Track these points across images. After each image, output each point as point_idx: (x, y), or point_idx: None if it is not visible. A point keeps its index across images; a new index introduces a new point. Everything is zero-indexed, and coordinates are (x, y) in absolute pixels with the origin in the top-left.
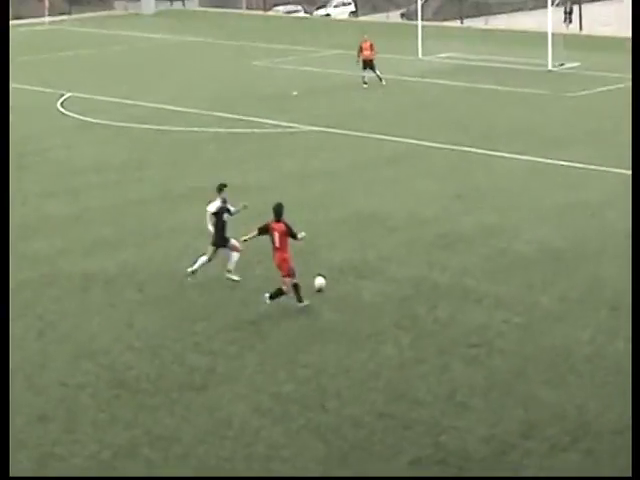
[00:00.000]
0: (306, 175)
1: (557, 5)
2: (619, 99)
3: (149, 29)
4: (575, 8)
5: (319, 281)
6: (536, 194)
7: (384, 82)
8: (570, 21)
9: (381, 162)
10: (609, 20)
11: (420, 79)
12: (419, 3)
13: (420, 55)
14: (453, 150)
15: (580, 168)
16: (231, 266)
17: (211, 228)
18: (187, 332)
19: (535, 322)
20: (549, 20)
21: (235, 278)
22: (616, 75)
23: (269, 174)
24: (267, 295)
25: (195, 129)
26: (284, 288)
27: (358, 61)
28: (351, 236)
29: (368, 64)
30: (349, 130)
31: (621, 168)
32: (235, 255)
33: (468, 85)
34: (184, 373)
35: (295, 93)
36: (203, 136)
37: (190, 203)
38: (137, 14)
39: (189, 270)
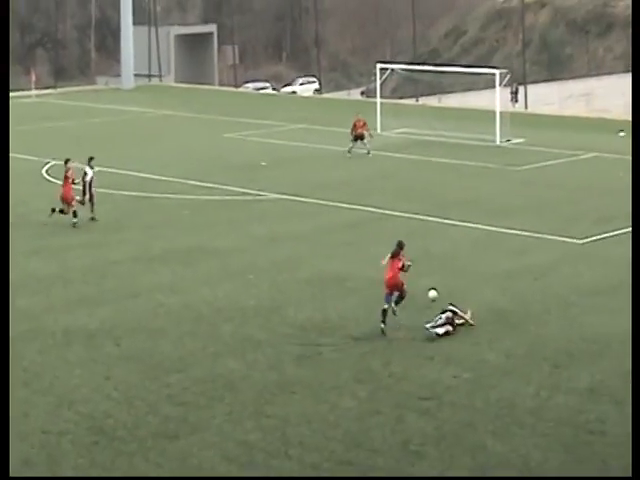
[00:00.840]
0: (273, 239)
1: (505, 86)
2: (560, 172)
3: (128, 103)
4: (521, 88)
5: (432, 293)
6: (484, 259)
7: (370, 154)
8: (516, 100)
9: (342, 228)
10: (551, 100)
11: (379, 152)
12: (378, 82)
13: (379, 130)
14: (409, 218)
15: (525, 236)
16: None
17: None
18: (161, 384)
19: (483, 377)
20: (497, 99)
21: None
22: (557, 150)
23: (239, 238)
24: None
25: (171, 196)
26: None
27: (352, 135)
28: (314, 296)
29: (359, 138)
30: (313, 198)
31: (562, 236)
32: None
33: (423, 158)
34: (158, 422)
35: (264, 163)
36: (178, 202)
37: (165, 264)
38: (117, 89)
39: None
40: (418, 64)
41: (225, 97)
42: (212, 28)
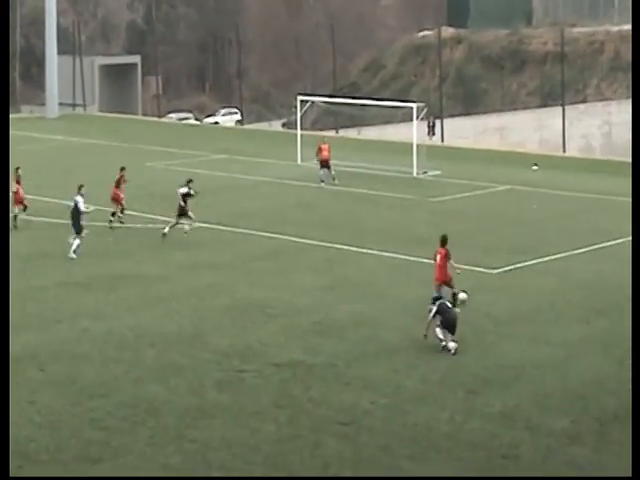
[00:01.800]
0: (195, 267)
1: (422, 119)
2: (475, 204)
3: (52, 131)
4: (437, 122)
5: (462, 295)
6: (401, 287)
7: (337, 181)
8: (433, 134)
9: (262, 256)
10: (467, 133)
11: (299, 182)
12: (298, 114)
13: (299, 161)
14: (327, 247)
15: None
16: None
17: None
18: (84, 409)
19: (399, 402)
20: (414, 132)
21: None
22: (472, 183)
23: (162, 265)
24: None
25: (94, 223)
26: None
27: (316, 161)
28: (235, 322)
29: (325, 164)
30: (234, 227)
31: (477, 266)
32: None
33: (342, 189)
34: (81, 446)
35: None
36: (101, 229)
37: (89, 290)
38: (42, 117)
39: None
40: (338, 97)
41: (148, 127)
42: (136, 59)
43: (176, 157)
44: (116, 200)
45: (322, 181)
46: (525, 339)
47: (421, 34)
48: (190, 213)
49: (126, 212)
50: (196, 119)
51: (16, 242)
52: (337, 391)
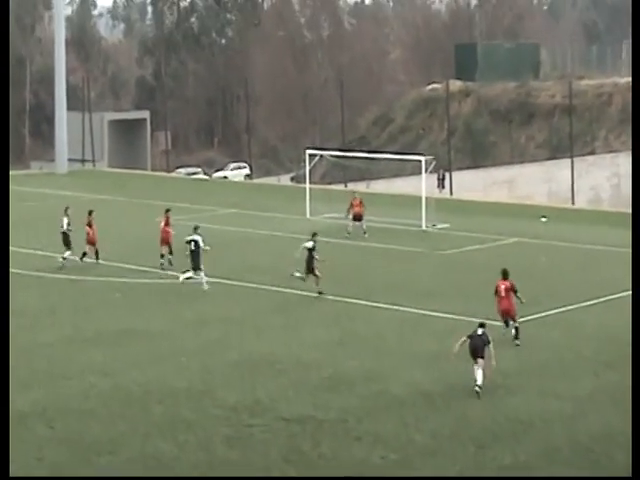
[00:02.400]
0: (204, 322)
1: (431, 172)
2: (484, 256)
3: (62, 187)
4: (447, 175)
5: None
6: (411, 341)
7: (366, 235)
8: (443, 187)
9: (272, 310)
10: (476, 186)
11: (308, 237)
12: (307, 168)
13: (308, 215)
14: (337, 301)
15: (450, 318)
16: None
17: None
18: (93, 465)
19: (409, 458)
20: (423, 185)
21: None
22: (481, 235)
23: (170, 321)
24: (511, 332)
25: (102, 279)
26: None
27: (348, 216)
28: (244, 377)
29: (358, 218)
30: (243, 281)
31: (487, 319)
32: None
33: (351, 243)
34: None
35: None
36: (110, 285)
37: (97, 346)
38: (51, 173)
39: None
40: (347, 150)
41: (157, 182)
42: (145, 114)
43: (185, 212)
44: (166, 242)
45: (349, 233)
46: (534, 392)
47: (429, 87)
48: (317, 272)
49: (136, 267)
50: (205, 174)
51: (25, 298)
52: (347, 446)
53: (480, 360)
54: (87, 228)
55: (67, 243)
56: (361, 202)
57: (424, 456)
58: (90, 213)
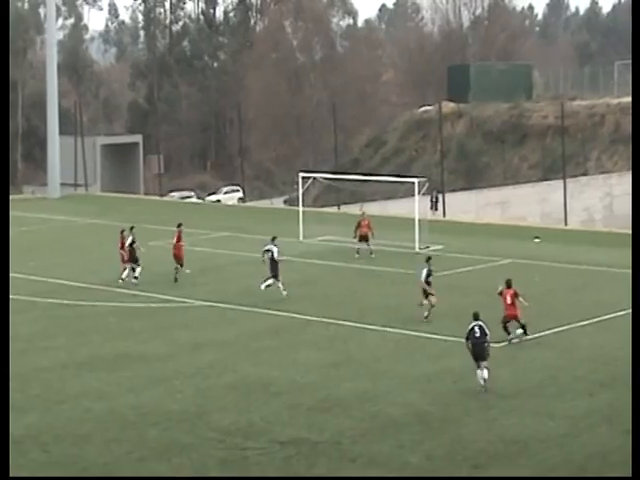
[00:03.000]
0: (198, 345)
1: (424, 194)
2: (477, 278)
3: (54, 212)
4: (440, 197)
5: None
6: (405, 363)
7: (373, 255)
8: (436, 209)
9: (266, 333)
10: (469, 207)
11: (301, 259)
12: (300, 191)
13: (301, 237)
14: (331, 323)
15: (444, 340)
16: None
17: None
18: None
19: None
20: (416, 207)
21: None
22: (474, 257)
23: (164, 344)
24: (520, 332)
25: (96, 303)
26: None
27: (355, 236)
28: (238, 400)
29: (364, 238)
30: (237, 305)
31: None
32: None
33: (345, 265)
34: None
35: (188, 271)
36: (104, 309)
37: (91, 370)
38: (44, 198)
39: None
40: (340, 173)
41: (150, 206)
42: (138, 138)
43: None
44: (179, 257)
45: (357, 253)
46: (529, 413)
47: (422, 109)
48: (432, 297)
49: (129, 292)
50: (198, 197)
51: (20, 323)
52: (342, 468)
53: (483, 362)
54: (120, 249)
55: (135, 260)
56: (369, 224)
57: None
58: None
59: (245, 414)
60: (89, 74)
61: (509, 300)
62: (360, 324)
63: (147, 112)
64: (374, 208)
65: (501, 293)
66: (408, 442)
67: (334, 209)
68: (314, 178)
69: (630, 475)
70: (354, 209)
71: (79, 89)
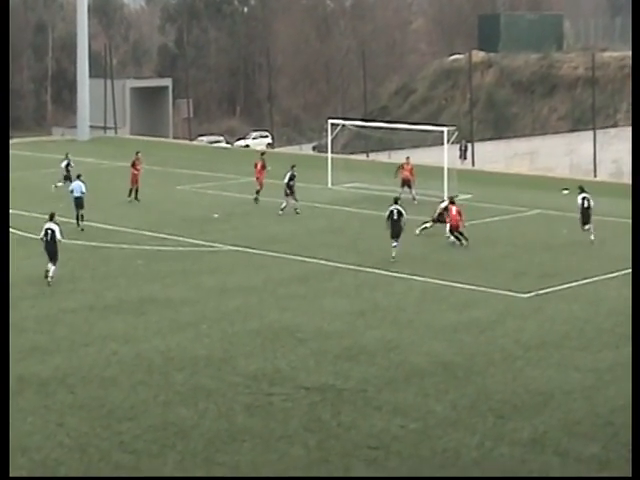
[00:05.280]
0: (225, 290)
1: (453, 143)
2: (505, 228)
3: (83, 154)
4: (468, 146)
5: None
6: (431, 312)
7: (416, 202)
8: (465, 158)
9: (293, 280)
10: (497, 158)
11: (329, 206)
12: (329, 138)
13: (329, 184)
14: (358, 271)
15: (470, 290)
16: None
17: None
18: (113, 432)
19: (429, 428)
20: (445, 156)
21: None
22: (503, 207)
23: (191, 289)
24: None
25: (124, 246)
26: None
27: (396, 176)
28: (264, 346)
29: (406, 183)
30: (264, 250)
31: (506, 290)
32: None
33: (373, 213)
34: (110, 470)
35: (216, 215)
36: (131, 252)
37: (118, 313)
38: (73, 140)
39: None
40: (369, 121)
41: (179, 150)
42: (167, 82)
43: (206, 180)
44: (260, 182)
45: (399, 199)
46: (554, 365)
47: (452, 58)
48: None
49: (157, 235)
50: (227, 142)
51: (44, 264)
52: (367, 416)
53: (397, 239)
54: (132, 169)
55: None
56: (412, 169)
57: (444, 427)
58: (261, 154)
59: (271, 360)
60: (119, 17)
61: (454, 212)
62: (387, 272)
63: (176, 56)
64: (402, 156)
65: (447, 208)
66: (433, 391)
67: (362, 156)
68: (343, 125)
69: (630, 475)
70: (382, 157)
71: (109, 32)
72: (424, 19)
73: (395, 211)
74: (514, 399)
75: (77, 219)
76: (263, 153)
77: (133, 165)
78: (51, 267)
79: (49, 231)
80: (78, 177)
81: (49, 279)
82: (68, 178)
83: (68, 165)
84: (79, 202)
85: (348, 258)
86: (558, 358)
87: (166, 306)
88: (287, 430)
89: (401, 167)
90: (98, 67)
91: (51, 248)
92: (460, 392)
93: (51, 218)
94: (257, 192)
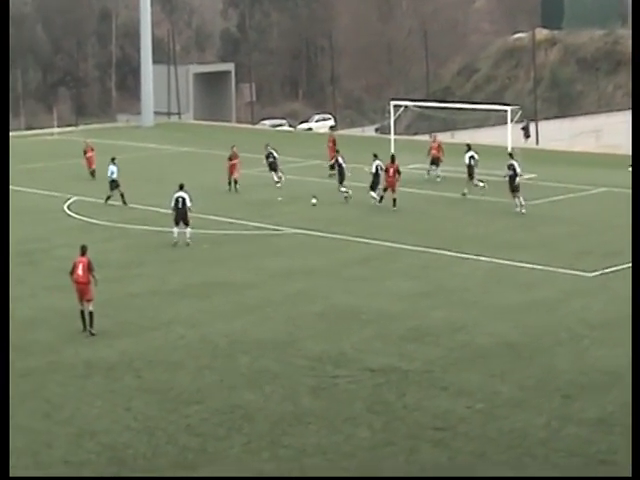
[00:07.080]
0: (289, 273)
1: (516, 122)
2: (570, 207)
3: (148, 140)
4: (532, 125)
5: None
6: (496, 292)
7: (439, 179)
8: (528, 136)
9: (357, 262)
10: (562, 136)
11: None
12: (392, 119)
13: None
14: (422, 252)
15: (535, 269)
16: None
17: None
18: (180, 415)
19: (495, 408)
20: (509, 135)
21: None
22: (568, 185)
23: (255, 272)
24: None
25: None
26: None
27: (428, 154)
28: (329, 329)
29: (435, 161)
30: (328, 233)
31: (571, 269)
32: None
33: (435, 194)
34: (177, 453)
35: (280, 199)
36: (195, 237)
37: (183, 297)
38: (138, 126)
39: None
40: (431, 101)
41: (242, 134)
42: (230, 66)
43: None
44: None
45: (428, 173)
46: (621, 344)
47: (515, 37)
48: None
49: (222, 219)
50: (290, 125)
51: (112, 250)
52: (432, 397)
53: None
54: (228, 161)
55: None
56: (439, 146)
57: (510, 407)
58: (232, 147)
59: (336, 342)
60: (182, 3)
61: (391, 173)
62: (451, 252)
63: (239, 40)
64: (465, 136)
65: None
66: (498, 372)
67: (426, 137)
68: (406, 106)
69: (630, 475)
70: (445, 137)
71: (171, 18)
72: None
73: (180, 199)
74: (581, 379)
75: (122, 199)
76: (333, 127)
77: (230, 158)
78: (187, 230)
79: (180, 199)
80: (112, 160)
81: (187, 240)
82: (273, 168)
83: (269, 156)
84: (114, 184)
85: (412, 239)
86: (624, 337)
87: (231, 290)
88: (352, 412)
89: (430, 148)
90: (161, 53)
91: (182, 214)
92: (526, 372)
93: (181, 187)
94: (331, 167)
